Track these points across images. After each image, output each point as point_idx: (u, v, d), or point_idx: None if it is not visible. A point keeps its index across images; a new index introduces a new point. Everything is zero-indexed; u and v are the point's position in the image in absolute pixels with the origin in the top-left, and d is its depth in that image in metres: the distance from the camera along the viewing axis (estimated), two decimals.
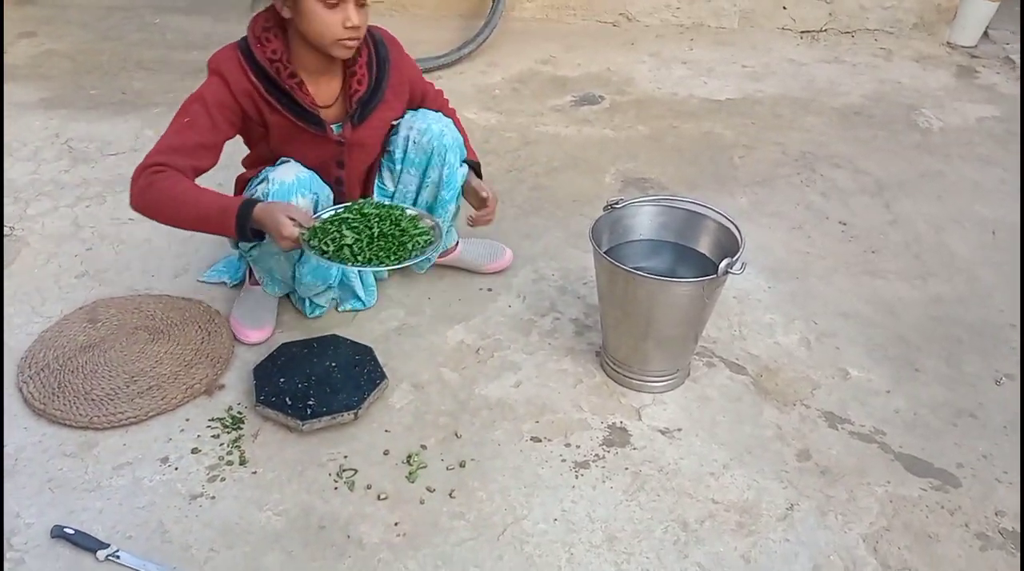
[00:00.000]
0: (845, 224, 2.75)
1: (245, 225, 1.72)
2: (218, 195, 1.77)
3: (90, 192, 2.65)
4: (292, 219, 1.70)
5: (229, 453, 1.75)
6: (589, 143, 3.17)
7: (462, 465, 1.76)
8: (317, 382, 1.86)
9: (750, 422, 1.93)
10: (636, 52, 4.00)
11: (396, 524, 1.62)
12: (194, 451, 1.75)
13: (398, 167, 2.08)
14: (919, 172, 3.12)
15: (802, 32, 4.28)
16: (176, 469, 1.72)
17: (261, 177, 1.87)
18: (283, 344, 1.98)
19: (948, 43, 4.41)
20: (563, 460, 1.80)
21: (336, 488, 1.69)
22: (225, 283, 2.26)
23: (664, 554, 1.60)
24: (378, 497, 1.67)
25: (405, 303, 2.24)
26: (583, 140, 3.19)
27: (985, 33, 4.53)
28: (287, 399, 1.80)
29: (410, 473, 1.73)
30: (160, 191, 1.73)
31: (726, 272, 1.80)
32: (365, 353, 1.96)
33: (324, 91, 1.91)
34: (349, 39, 1.78)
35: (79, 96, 3.32)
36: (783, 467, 1.82)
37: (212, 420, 1.83)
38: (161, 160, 1.74)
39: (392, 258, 1.74)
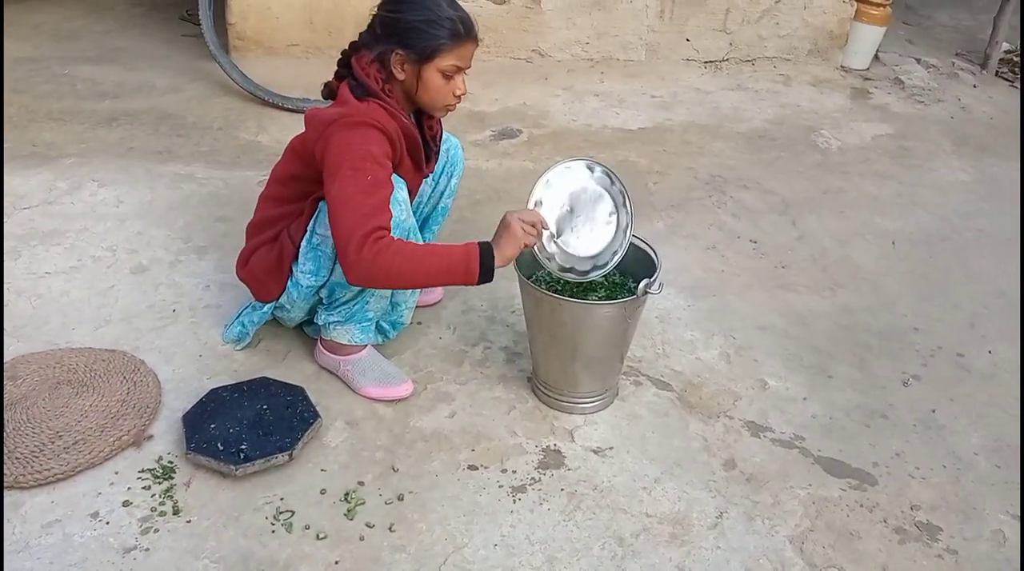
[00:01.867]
0: (756, 242, 2.88)
1: (491, 262, 1.77)
2: (441, 246, 1.80)
3: (3, 247, 2.58)
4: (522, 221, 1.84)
5: (162, 503, 1.72)
6: (510, 176, 3.25)
7: (400, 498, 1.78)
8: (249, 426, 1.85)
9: (678, 436, 2.00)
10: (550, 86, 4.11)
11: (336, 563, 1.62)
12: (125, 504, 1.72)
13: None
14: (821, 190, 3.29)
15: (705, 62, 4.48)
16: (107, 523, 1.68)
17: None
18: (212, 389, 1.96)
19: (842, 67, 4.67)
20: (500, 486, 1.83)
21: (273, 531, 1.68)
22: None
23: (603, 570, 1.64)
24: (317, 537, 1.67)
25: None
26: (504, 173, 3.26)
27: (876, 56, 4.81)
28: (219, 444, 1.79)
29: (348, 510, 1.73)
30: (394, 255, 1.71)
31: (645, 293, 1.87)
32: (297, 393, 1.96)
33: None
34: (454, 104, 1.92)
35: None
36: (711, 477, 1.89)
37: (142, 471, 1.80)
38: (375, 224, 1.71)
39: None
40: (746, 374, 2.23)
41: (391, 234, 1.75)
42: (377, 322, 2.14)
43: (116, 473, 1.80)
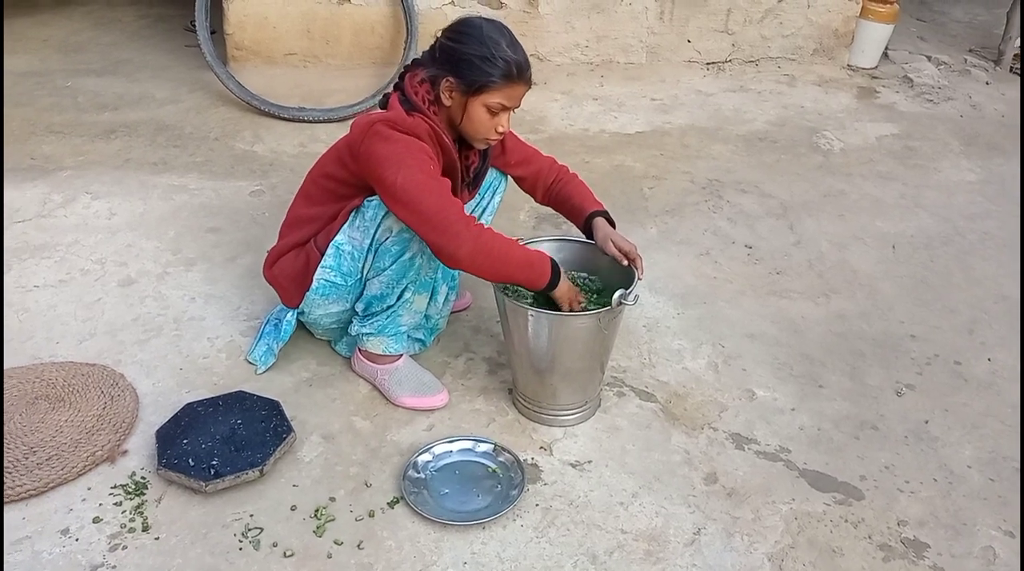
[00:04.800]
0: (751, 247, 2.82)
1: (558, 274, 1.85)
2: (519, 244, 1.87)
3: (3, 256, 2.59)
4: None
5: (132, 520, 1.72)
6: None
7: (371, 515, 1.75)
8: (222, 441, 1.84)
9: (659, 449, 1.96)
10: (548, 91, 4.08)
11: None
12: (95, 520, 1.71)
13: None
14: (822, 192, 3.23)
15: (708, 64, 4.42)
16: (77, 540, 1.67)
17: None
18: (187, 404, 1.95)
19: (849, 66, 4.59)
20: None
21: (241, 548, 1.66)
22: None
23: None
24: (284, 554, 1.65)
25: (316, 353, 2.23)
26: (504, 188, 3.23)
27: (885, 54, 4.73)
28: (190, 460, 1.78)
29: (317, 527, 1.71)
30: (493, 235, 1.79)
31: (620, 304, 1.84)
32: (272, 408, 1.94)
33: None
34: (494, 139, 1.93)
35: None
36: (691, 491, 1.85)
37: (114, 487, 1.79)
38: (461, 205, 1.79)
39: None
40: (733, 384, 2.19)
41: None
42: (411, 334, 2.16)
43: (89, 489, 1.79)
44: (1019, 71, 4.79)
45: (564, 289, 1.87)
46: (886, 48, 4.69)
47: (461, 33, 1.84)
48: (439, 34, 1.89)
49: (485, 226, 1.79)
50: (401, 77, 1.94)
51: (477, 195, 2.17)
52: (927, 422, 2.09)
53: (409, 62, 1.97)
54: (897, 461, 1.97)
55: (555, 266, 1.85)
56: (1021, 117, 4.05)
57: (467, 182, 2.06)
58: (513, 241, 1.83)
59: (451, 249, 1.74)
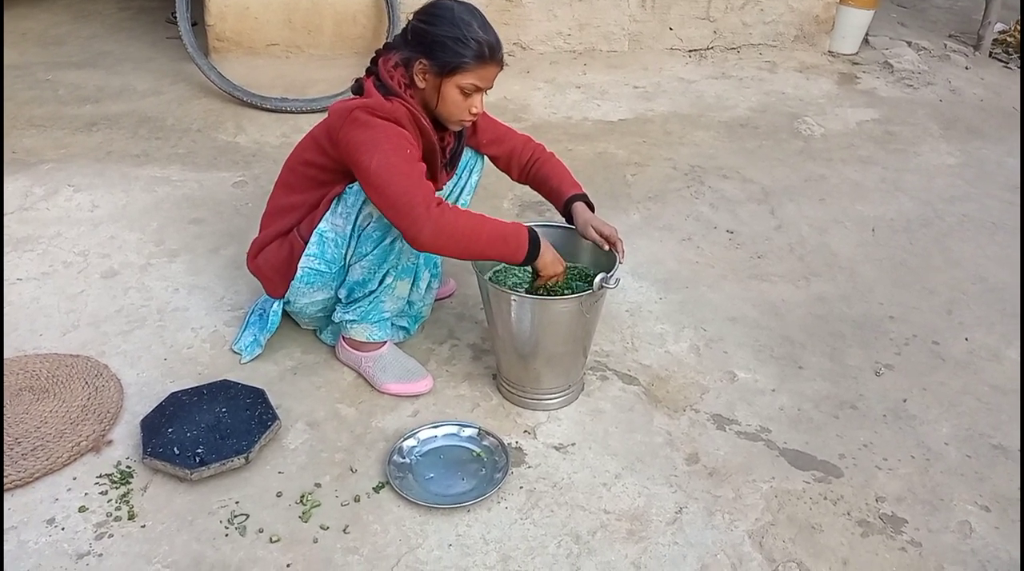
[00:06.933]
0: (732, 232, 2.85)
1: (537, 245, 1.83)
2: (495, 219, 1.85)
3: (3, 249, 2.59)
4: None
5: (117, 509, 1.72)
6: (488, 170, 3.19)
7: (357, 500, 1.77)
8: (207, 429, 1.84)
9: (641, 431, 1.98)
10: (531, 79, 4.09)
11: (288, 566, 1.61)
12: (81, 509, 1.72)
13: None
14: (803, 177, 3.25)
15: (690, 51, 4.44)
16: (63, 529, 1.68)
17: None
18: (172, 393, 1.96)
19: (830, 52, 4.62)
20: None
21: (227, 535, 1.67)
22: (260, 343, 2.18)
23: (557, 568, 1.63)
24: (270, 540, 1.66)
25: (301, 341, 2.24)
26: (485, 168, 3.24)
27: (866, 40, 4.76)
28: (175, 449, 1.78)
29: (303, 513, 1.72)
30: (458, 215, 1.78)
31: (602, 287, 1.86)
32: (257, 396, 1.95)
33: None
34: (468, 121, 1.93)
35: None
36: (672, 472, 1.87)
37: (100, 477, 1.80)
38: (431, 189, 1.78)
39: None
40: (715, 367, 2.21)
41: None
42: (394, 321, 2.17)
43: (74, 479, 1.80)
44: (1001, 56, 4.83)
45: (548, 258, 1.87)
46: (867, 34, 4.72)
47: (433, 15, 1.84)
48: (411, 17, 1.90)
49: (451, 207, 1.78)
50: (374, 62, 1.93)
51: (455, 175, 2.17)
52: (905, 401, 2.13)
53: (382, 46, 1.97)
54: (875, 439, 2.00)
55: (533, 236, 1.84)
56: (1021, 105, 4.07)
57: (444, 163, 2.06)
58: (486, 217, 1.83)
59: (412, 232, 1.75)
